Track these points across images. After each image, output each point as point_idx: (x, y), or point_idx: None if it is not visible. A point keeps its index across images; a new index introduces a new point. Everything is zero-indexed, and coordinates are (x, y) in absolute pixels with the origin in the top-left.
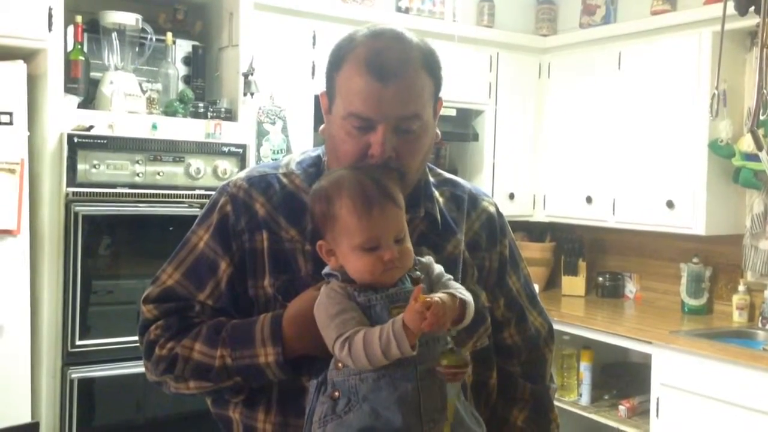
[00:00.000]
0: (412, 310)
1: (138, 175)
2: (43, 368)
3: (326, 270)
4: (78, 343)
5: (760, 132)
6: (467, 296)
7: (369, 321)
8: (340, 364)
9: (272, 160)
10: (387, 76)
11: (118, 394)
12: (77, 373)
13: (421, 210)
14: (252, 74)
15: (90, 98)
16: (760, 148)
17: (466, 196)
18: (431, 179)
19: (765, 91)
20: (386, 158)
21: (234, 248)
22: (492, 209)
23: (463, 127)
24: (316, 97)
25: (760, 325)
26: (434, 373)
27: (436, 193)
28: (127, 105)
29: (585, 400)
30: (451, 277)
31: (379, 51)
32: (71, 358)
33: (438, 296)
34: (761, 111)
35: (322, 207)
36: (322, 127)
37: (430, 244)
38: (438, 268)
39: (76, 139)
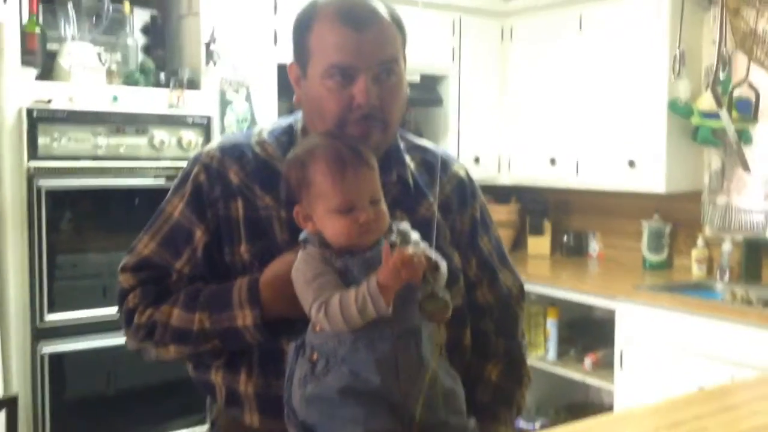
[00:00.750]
0: (385, 268)
1: (100, 147)
2: (12, 344)
3: (303, 235)
4: (47, 318)
5: (719, 90)
6: (441, 261)
7: (346, 285)
8: (318, 327)
9: (237, 129)
10: (361, 24)
11: (89, 367)
12: (47, 348)
13: (393, 175)
14: (214, 42)
15: (47, 71)
16: (719, 105)
17: (437, 161)
18: (402, 145)
19: (724, 50)
20: (371, 107)
21: (209, 216)
22: (462, 173)
23: (428, 92)
24: (280, 66)
25: (718, 277)
26: (410, 333)
27: (407, 158)
28: (86, 77)
29: (552, 355)
30: (428, 244)
31: (349, 5)
32: (41, 333)
33: (409, 249)
34: (720, 70)
35: (297, 173)
36: (295, 97)
37: (403, 208)
38: (415, 235)
39: (35, 113)
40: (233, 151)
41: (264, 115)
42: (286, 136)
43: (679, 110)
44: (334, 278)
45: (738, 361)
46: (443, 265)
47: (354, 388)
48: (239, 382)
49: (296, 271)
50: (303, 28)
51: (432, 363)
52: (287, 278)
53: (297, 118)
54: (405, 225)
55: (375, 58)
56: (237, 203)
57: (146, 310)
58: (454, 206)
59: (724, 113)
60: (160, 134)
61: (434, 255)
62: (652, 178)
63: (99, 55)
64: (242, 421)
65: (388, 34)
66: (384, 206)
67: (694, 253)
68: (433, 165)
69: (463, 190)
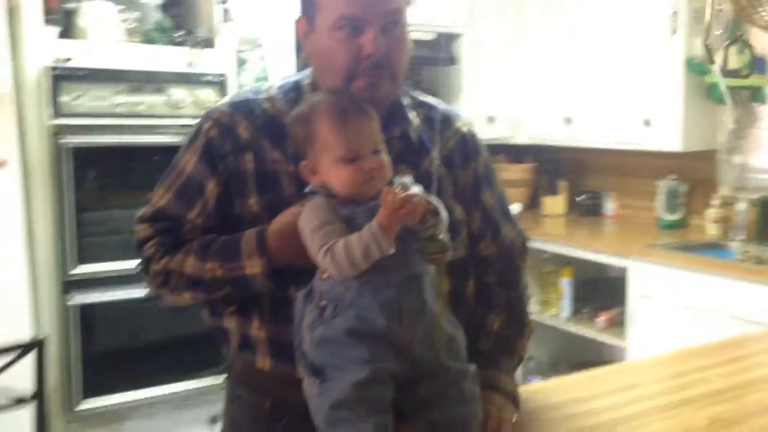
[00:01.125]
0: (385, 208)
1: (120, 105)
2: (42, 296)
3: (309, 188)
4: (75, 270)
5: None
6: (442, 208)
7: (351, 233)
8: (325, 275)
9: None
10: None
11: (117, 317)
12: (77, 299)
13: (396, 130)
14: (228, 0)
15: (65, 30)
16: (711, 61)
17: (439, 117)
18: (407, 101)
19: (719, 7)
20: (380, 57)
21: (220, 169)
22: (465, 129)
23: (442, 51)
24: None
25: (733, 236)
26: (412, 279)
27: (412, 114)
28: (105, 35)
29: (566, 314)
30: (430, 195)
31: None
32: (69, 285)
33: (409, 192)
34: (713, 26)
35: (301, 129)
36: (303, 53)
37: (407, 163)
38: (416, 188)
39: (57, 71)
40: (243, 107)
41: (281, 73)
42: (294, 92)
43: (695, 68)
44: (340, 226)
45: (750, 320)
46: (443, 212)
47: (360, 330)
48: (251, 327)
49: (303, 220)
50: None
51: (434, 308)
52: (294, 229)
53: (305, 74)
54: (407, 178)
55: (381, 9)
56: (247, 157)
57: (162, 258)
58: (457, 161)
59: (716, 69)
60: (177, 93)
61: (434, 200)
62: (668, 136)
63: (117, 13)
64: (254, 364)
65: None
66: (386, 156)
67: (710, 213)
68: (437, 120)
69: (466, 145)
